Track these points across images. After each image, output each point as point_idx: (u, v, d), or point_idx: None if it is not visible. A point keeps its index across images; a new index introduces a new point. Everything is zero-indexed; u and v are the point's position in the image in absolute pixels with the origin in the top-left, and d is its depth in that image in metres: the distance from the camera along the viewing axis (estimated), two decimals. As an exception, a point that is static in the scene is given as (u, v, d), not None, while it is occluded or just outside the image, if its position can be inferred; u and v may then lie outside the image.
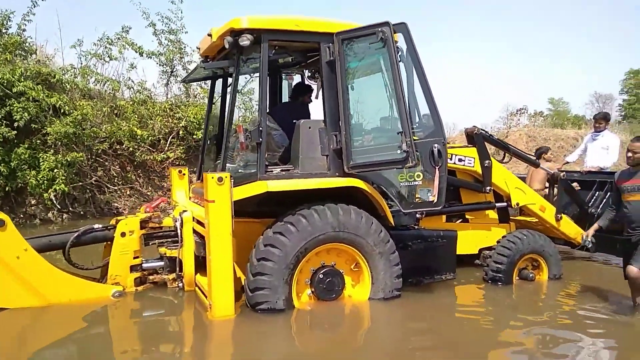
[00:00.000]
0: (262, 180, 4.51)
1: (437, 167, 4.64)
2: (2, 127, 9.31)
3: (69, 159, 9.84)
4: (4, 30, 10.25)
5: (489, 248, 5.87)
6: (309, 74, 5.82)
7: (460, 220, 6.18)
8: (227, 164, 5.27)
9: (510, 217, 6.22)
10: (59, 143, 10.01)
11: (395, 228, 5.11)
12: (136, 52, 12.51)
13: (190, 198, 6.11)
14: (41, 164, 9.73)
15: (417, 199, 4.75)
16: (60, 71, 10.66)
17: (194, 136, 12.71)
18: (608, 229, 5.06)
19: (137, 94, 12.88)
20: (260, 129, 4.52)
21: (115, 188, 11.69)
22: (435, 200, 4.68)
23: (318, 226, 4.43)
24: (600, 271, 6.61)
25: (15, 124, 9.43)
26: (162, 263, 5.11)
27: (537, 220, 6.29)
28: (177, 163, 13.03)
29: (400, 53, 4.75)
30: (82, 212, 10.77)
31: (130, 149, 11.86)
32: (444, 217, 5.99)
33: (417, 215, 5.54)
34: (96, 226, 4.96)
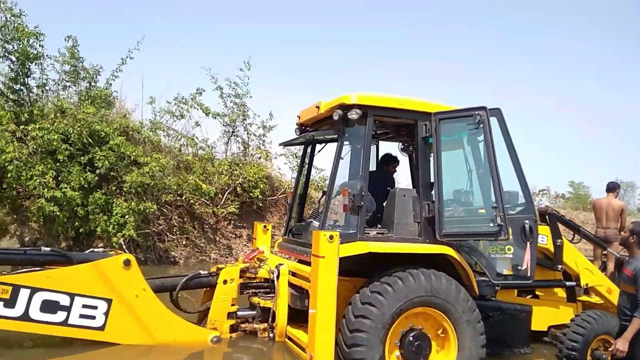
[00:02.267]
0: (361, 241, 4.87)
1: (528, 242, 4.92)
2: (87, 173, 10.01)
3: (141, 207, 10.42)
4: (92, 84, 11.26)
5: (558, 326, 5.96)
6: (401, 147, 6.29)
7: (530, 296, 6.32)
8: (316, 224, 5.69)
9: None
10: (132, 191, 10.65)
11: (476, 298, 5.31)
12: (204, 112, 13.42)
13: (275, 252, 6.45)
14: (114, 209, 10.32)
15: (507, 272, 4.99)
16: (139, 125, 11.52)
17: (251, 194, 13.27)
18: None
19: (199, 150, 13.66)
20: (363, 193, 4.94)
21: (174, 237, 12.16)
22: (527, 275, 4.91)
23: (413, 289, 4.69)
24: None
25: (97, 171, 10.14)
26: (254, 312, 5.39)
27: (603, 301, 6.37)
28: (230, 218, 13.57)
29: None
30: (142, 259, 11.19)
31: (191, 201, 12.44)
32: (515, 291, 6.16)
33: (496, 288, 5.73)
34: (202, 272, 5.33)
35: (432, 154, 5.17)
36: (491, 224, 4.82)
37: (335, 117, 5.07)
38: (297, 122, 6.17)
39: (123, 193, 10.88)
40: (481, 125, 4.90)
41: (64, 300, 4.43)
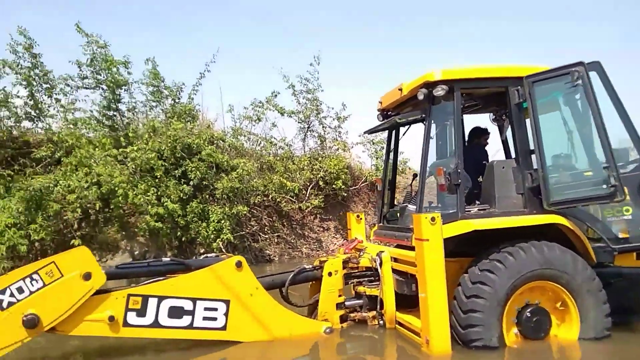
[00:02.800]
0: (463, 219, 4.74)
1: (649, 200, 4.53)
2: (182, 185, 10.66)
3: (234, 211, 10.92)
4: (176, 101, 11.94)
5: None
6: (492, 117, 6.04)
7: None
8: (412, 207, 5.61)
9: None
10: (225, 197, 11.17)
11: (593, 266, 4.99)
12: (279, 112, 13.73)
13: (371, 240, 6.47)
14: (210, 216, 10.90)
15: (629, 234, 4.63)
16: (223, 134, 12.06)
17: (334, 186, 13.42)
18: None
19: (279, 149, 14.02)
20: (459, 170, 4.80)
21: (266, 237, 12.61)
22: (651, 236, 4.54)
23: (525, 263, 4.50)
24: None
25: (191, 182, 10.76)
26: (361, 301, 5.44)
27: None
28: (315, 212, 13.82)
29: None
30: (240, 260, 11.73)
31: (278, 199, 12.82)
32: (634, 254, 5.70)
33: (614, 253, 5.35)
34: (307, 266, 5.48)
35: (528, 120, 4.92)
36: (604, 186, 4.50)
37: (421, 97, 4.97)
38: (378, 107, 6.12)
39: (216, 200, 11.46)
40: (580, 82, 4.57)
41: (188, 305, 4.74)
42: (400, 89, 5.35)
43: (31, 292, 4.28)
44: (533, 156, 4.91)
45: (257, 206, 12.72)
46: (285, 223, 13.50)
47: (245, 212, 11.50)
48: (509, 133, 5.84)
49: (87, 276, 4.44)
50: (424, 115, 5.23)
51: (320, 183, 13.51)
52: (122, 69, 11.30)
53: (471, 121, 6.43)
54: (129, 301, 4.60)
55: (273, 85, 14.03)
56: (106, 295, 4.58)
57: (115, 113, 11.61)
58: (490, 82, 5.02)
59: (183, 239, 10.99)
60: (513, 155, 5.95)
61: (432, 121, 5.14)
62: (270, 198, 12.86)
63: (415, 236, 4.59)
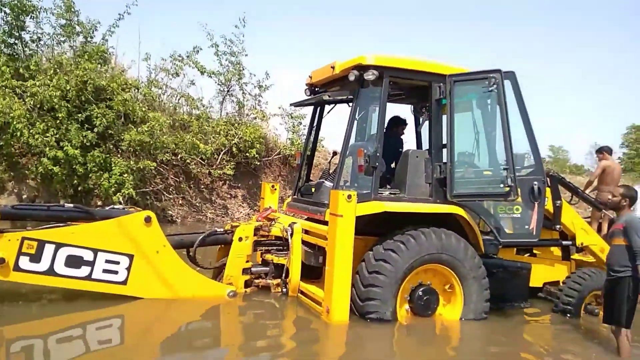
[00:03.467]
0: (375, 200, 5.00)
1: (536, 203, 5.11)
2: (85, 131, 9.90)
3: (141, 166, 10.40)
4: (88, 39, 10.97)
5: (552, 282, 6.27)
6: (413, 108, 6.35)
7: (528, 255, 6.60)
8: (328, 184, 5.80)
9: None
10: (131, 150, 10.58)
11: (481, 256, 5.54)
12: (199, 70, 13.19)
13: (283, 211, 6.57)
14: (113, 168, 10.28)
15: (514, 231, 5.19)
16: (137, 82, 11.33)
17: (247, 154, 13.28)
18: None
19: (194, 109, 13.51)
20: (378, 154, 5.03)
21: (171, 197, 12.20)
22: (533, 234, 5.13)
23: (425, 247, 4.89)
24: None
25: (96, 129, 10.03)
26: (267, 269, 5.55)
27: (594, 260, 6.68)
28: (225, 178, 13.61)
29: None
30: (141, 217, 11.24)
31: (187, 160, 12.41)
32: (514, 249, 6.42)
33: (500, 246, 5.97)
34: (218, 229, 5.44)
35: (445, 116, 5.26)
36: (501, 185, 4.98)
37: (351, 78, 5.09)
38: (307, 82, 6.16)
39: (121, 151, 10.82)
40: (495, 87, 4.98)
41: (88, 255, 4.51)
42: (333, 67, 5.42)
43: None
44: (444, 150, 5.29)
45: (164, 164, 12.23)
46: (192, 185, 13.15)
47: (152, 168, 10.99)
48: (425, 126, 6.23)
49: (-24, 213, 4.04)
50: (351, 97, 5.37)
51: (234, 149, 13.29)
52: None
53: (391, 110, 6.75)
54: (22, 244, 4.28)
55: (196, 42, 13.37)
56: (-3, 235, 4.21)
57: (16, 41, 10.38)
58: (417, 75, 5.28)
59: (79, 188, 10.28)
60: (425, 147, 6.39)
61: (359, 103, 5.31)
62: (179, 158, 12.42)
63: (330, 211, 4.76)
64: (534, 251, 6.59)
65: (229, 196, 13.85)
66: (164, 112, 12.42)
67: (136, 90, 11.19)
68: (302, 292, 5.36)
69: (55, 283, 4.47)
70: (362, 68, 5.05)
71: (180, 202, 12.62)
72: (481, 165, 5.48)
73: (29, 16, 10.19)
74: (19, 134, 9.14)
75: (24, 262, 4.30)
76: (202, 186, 13.38)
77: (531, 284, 6.29)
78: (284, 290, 5.48)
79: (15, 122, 8.94)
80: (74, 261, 4.48)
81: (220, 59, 13.71)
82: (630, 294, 4.47)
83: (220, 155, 13.18)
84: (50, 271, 4.40)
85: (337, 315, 4.64)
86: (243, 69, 13.90)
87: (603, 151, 8.31)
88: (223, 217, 13.09)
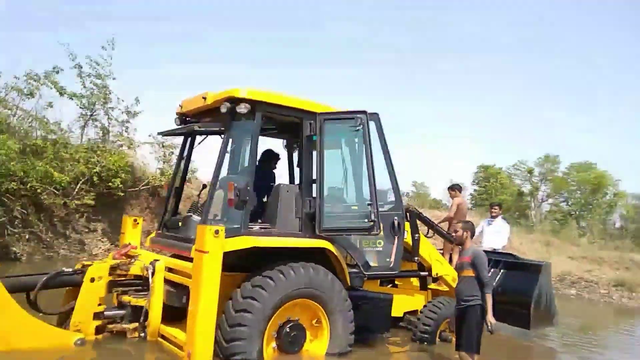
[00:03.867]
0: (244, 235, 4.89)
1: (396, 237, 5.41)
2: None
3: (-23, 195, 9.01)
4: None
5: (412, 312, 6.67)
6: (285, 143, 6.41)
7: (390, 285, 6.95)
8: (196, 218, 5.57)
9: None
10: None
11: (346, 288, 5.68)
12: (58, 91, 12.06)
13: (146, 247, 6.12)
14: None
15: (376, 264, 5.43)
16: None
17: (110, 184, 12.28)
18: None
19: (50, 133, 12.24)
20: (249, 188, 4.96)
21: (16, 231, 10.72)
22: (394, 266, 5.40)
23: (294, 282, 4.87)
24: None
25: None
26: (123, 312, 5.05)
27: (448, 289, 7.28)
28: (83, 210, 12.39)
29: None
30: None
31: (38, 190, 11.08)
32: (378, 281, 6.72)
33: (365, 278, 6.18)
34: (66, 269, 4.83)
35: (314, 152, 5.40)
36: (366, 220, 5.21)
37: (223, 110, 5.00)
38: (177, 111, 5.94)
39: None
40: (361, 127, 5.26)
41: None
42: (205, 98, 5.30)
43: None
44: (314, 185, 5.40)
45: (9, 194, 10.75)
46: (43, 218, 11.74)
47: (-9, 197, 9.60)
48: (296, 161, 6.33)
49: None
50: (223, 129, 5.26)
51: (95, 179, 12.22)
52: None
53: (263, 143, 6.76)
54: None
55: (57, 61, 12.24)
56: None
57: None
58: (289, 111, 5.37)
59: None
60: (297, 181, 6.48)
61: (231, 136, 5.23)
62: (28, 187, 11.03)
63: (196, 247, 4.52)
64: (396, 282, 6.97)
65: (86, 230, 12.60)
66: (12, 135, 11.03)
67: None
68: (162, 336, 4.96)
69: None
70: (234, 100, 5.00)
71: (27, 236, 11.15)
72: (349, 201, 5.70)
73: None
74: None
75: None
76: (56, 219, 12.03)
77: (393, 314, 6.60)
78: (142, 334, 5.02)
79: None
80: None
81: (84, 80, 12.76)
82: (478, 321, 4.89)
83: (79, 185, 12.02)
84: None
85: (200, 359, 4.35)
86: (109, 93, 13.05)
87: (455, 189, 9.18)
88: (79, 253, 11.85)
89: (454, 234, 5.28)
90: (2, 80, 11.19)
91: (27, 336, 4.31)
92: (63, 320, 4.91)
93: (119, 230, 12.46)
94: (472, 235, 5.19)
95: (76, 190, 12.02)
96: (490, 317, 4.84)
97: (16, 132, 11.43)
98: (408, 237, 6.64)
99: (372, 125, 5.48)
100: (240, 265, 5.06)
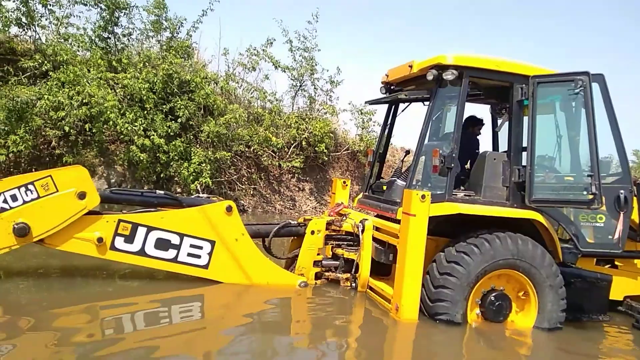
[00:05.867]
0: (449, 202, 4.98)
1: (622, 212, 4.86)
2: (170, 122, 10.56)
3: (217, 156, 10.92)
4: (175, 35, 11.64)
5: (634, 297, 5.92)
6: (492, 109, 6.23)
7: (608, 266, 6.26)
8: (400, 182, 5.82)
9: None
10: (209, 141, 11.14)
11: (558, 264, 5.35)
12: (274, 64, 13.57)
13: (354, 207, 6.68)
14: (192, 157, 10.88)
15: (596, 240, 4.97)
16: (217, 75, 11.90)
17: (316, 148, 13.53)
18: None
19: (267, 102, 13.94)
20: (454, 155, 5.00)
21: (243, 187, 12.70)
22: (617, 245, 4.89)
23: (499, 251, 4.80)
24: None
25: (179, 120, 10.66)
26: (337, 262, 5.68)
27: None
28: (294, 171, 13.94)
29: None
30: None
31: (260, 152, 12.86)
32: (594, 260, 6.11)
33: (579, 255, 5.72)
34: (292, 222, 5.66)
35: (525, 118, 5.12)
36: (584, 192, 4.78)
37: (430, 77, 5.07)
38: (383, 80, 6.19)
39: (199, 142, 11.42)
40: (582, 90, 4.78)
41: (175, 239, 4.87)
42: (411, 66, 5.43)
43: (24, 202, 4.32)
44: (524, 153, 5.15)
45: (238, 155, 12.74)
46: (262, 177, 13.59)
47: (228, 158, 11.52)
48: (504, 127, 6.07)
49: (82, 195, 4.49)
50: (428, 96, 5.35)
51: (303, 143, 13.59)
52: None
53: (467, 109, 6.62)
54: (118, 226, 4.69)
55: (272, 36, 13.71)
56: (97, 216, 4.65)
57: (110, 36, 11.24)
58: (499, 75, 5.16)
59: (162, 175, 10.97)
60: (500, 148, 6.24)
61: (436, 103, 5.29)
62: (252, 150, 12.89)
63: (403, 210, 4.80)
64: (616, 263, 6.26)
65: (296, 189, 14.18)
66: (240, 105, 12.92)
67: (215, 84, 11.73)
68: (370, 288, 5.45)
69: (145, 263, 4.85)
70: (441, 68, 5.02)
71: (251, 192, 13.10)
72: (562, 171, 5.28)
73: (123, 12, 10.97)
74: (111, 122, 9.90)
75: (119, 242, 4.72)
76: (272, 178, 13.80)
77: (612, 297, 6.01)
78: (353, 284, 5.59)
79: (108, 112, 9.69)
80: (162, 244, 4.84)
81: (294, 54, 14.07)
82: None
83: (291, 149, 13.53)
84: (142, 252, 4.79)
85: (407, 314, 4.68)
86: (315, 65, 14.15)
87: None
88: (290, 209, 13.44)
89: None
90: (230, 56, 13.09)
91: (264, 275, 5.22)
92: (289, 264, 5.77)
93: (323, 190, 13.69)
94: None
95: (288, 153, 13.56)
96: None
97: (241, 102, 13.31)
98: (634, 215, 5.88)
99: (595, 88, 4.93)
100: (441, 231, 5.19)
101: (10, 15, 10.22)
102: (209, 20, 20.15)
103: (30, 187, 4.32)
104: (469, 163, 6.16)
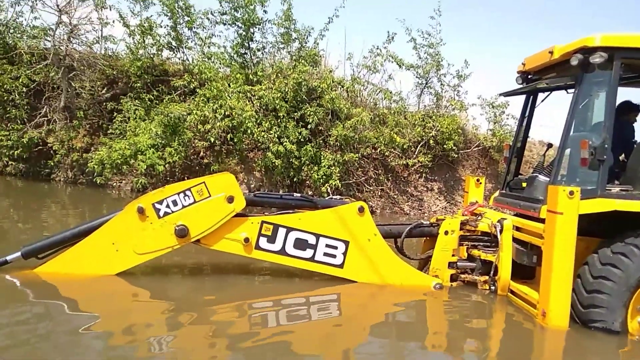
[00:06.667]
0: (602, 197, 4.51)
1: None
2: (301, 128, 11.12)
3: (346, 159, 11.21)
4: (303, 45, 12.23)
5: None
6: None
7: None
8: (542, 178, 5.40)
9: None
10: (337, 144, 11.48)
11: None
12: (397, 64, 13.49)
13: (490, 206, 6.37)
14: (322, 161, 11.30)
15: None
16: (343, 80, 12.25)
17: (444, 146, 13.14)
18: None
19: (393, 103, 13.90)
20: (606, 146, 4.52)
21: (371, 188, 12.83)
22: None
23: (665, 254, 4.22)
24: None
25: (309, 126, 11.17)
26: (474, 264, 5.47)
27: None
28: (421, 171, 13.68)
29: None
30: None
31: (386, 153, 12.87)
32: None
33: None
34: (424, 222, 5.60)
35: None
36: None
37: (574, 63, 4.66)
38: (519, 69, 5.83)
39: (328, 146, 11.82)
40: None
41: (312, 239, 5.12)
42: (551, 52, 5.03)
43: (183, 206, 4.87)
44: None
45: (365, 157, 12.90)
46: (389, 178, 13.57)
47: (356, 160, 11.75)
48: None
49: (230, 199, 4.94)
50: (572, 83, 4.91)
51: (431, 142, 13.26)
52: (259, 7, 11.72)
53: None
54: (262, 227, 5.06)
55: (396, 38, 13.63)
56: (244, 218, 5.08)
57: (246, 51, 12.18)
58: (658, 54, 4.55)
59: (294, 179, 11.57)
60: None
61: (583, 90, 4.83)
62: (378, 151, 12.95)
63: (548, 208, 4.46)
64: None
65: (424, 189, 13.89)
66: (365, 107, 13.09)
67: (341, 87, 12.04)
68: (512, 292, 5.15)
69: (286, 262, 5.17)
70: (587, 51, 4.58)
71: (379, 194, 13.16)
72: None
73: (257, 28, 11.84)
74: (249, 131, 10.74)
75: (263, 242, 5.09)
76: (399, 179, 13.70)
77: None
78: (492, 287, 5.33)
79: (247, 122, 10.52)
80: (300, 244, 5.12)
81: (419, 52, 13.84)
82: None
83: (418, 148, 13.31)
84: (282, 251, 5.12)
85: (556, 320, 4.34)
86: (441, 60, 13.76)
87: None
88: (418, 210, 13.22)
89: None
90: (354, 60, 13.35)
91: (398, 275, 5.22)
92: (422, 265, 5.70)
93: (452, 189, 13.28)
94: None
95: (415, 153, 13.36)
96: None
97: (367, 104, 13.46)
98: None
99: None
100: (589, 230, 4.71)
101: (162, 40, 11.61)
102: (333, 27, 20.81)
103: (188, 193, 4.88)
104: (623, 155, 5.51)
